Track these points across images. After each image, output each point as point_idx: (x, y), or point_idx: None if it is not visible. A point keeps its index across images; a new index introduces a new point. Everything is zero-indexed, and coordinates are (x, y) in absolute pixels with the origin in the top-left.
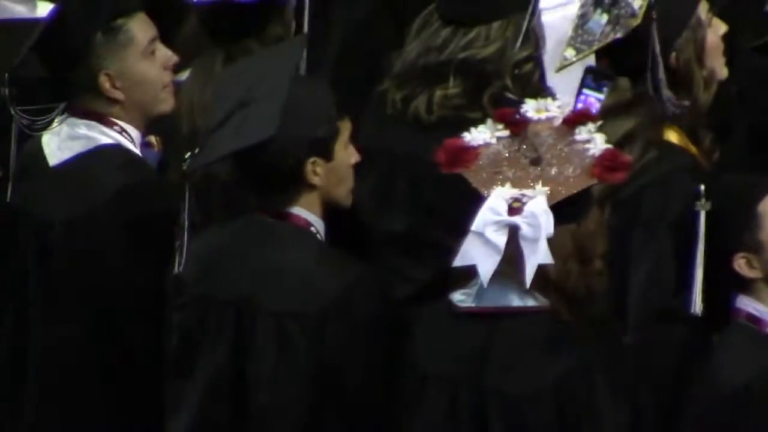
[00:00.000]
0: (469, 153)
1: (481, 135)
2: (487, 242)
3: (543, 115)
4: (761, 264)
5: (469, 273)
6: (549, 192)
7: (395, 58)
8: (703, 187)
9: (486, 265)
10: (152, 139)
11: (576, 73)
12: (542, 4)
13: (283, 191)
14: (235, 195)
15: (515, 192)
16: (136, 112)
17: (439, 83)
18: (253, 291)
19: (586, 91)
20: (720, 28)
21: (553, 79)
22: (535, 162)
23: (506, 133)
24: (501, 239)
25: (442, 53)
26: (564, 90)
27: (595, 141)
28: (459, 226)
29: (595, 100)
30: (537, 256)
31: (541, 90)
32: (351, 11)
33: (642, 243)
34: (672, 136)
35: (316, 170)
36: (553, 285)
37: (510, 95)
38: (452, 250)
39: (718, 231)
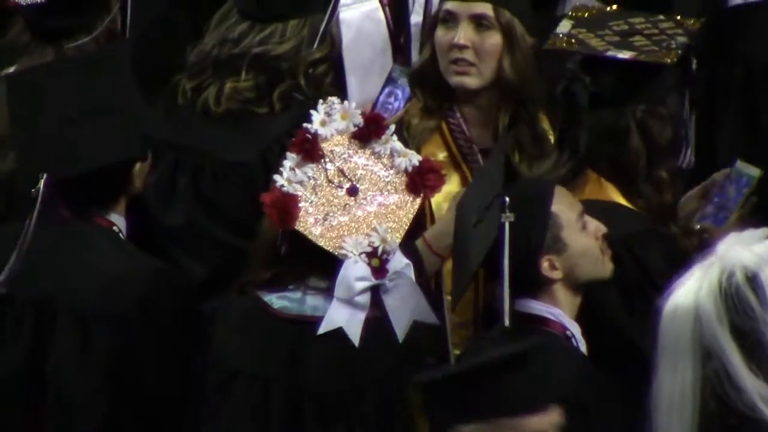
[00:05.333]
0: (292, 204)
1: (287, 176)
2: (354, 305)
3: (330, 130)
4: (563, 263)
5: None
6: (392, 230)
7: (191, 50)
8: (507, 199)
9: (354, 327)
10: None
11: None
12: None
13: (100, 198)
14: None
15: (363, 242)
16: None
17: (231, 75)
18: (55, 290)
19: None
20: None
21: (351, 81)
22: (352, 192)
23: (306, 163)
24: (366, 300)
25: (237, 46)
26: (363, 92)
27: (395, 149)
28: (235, 222)
29: (398, 98)
30: (408, 309)
31: (335, 92)
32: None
33: None
34: None
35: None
36: None
37: (299, 95)
38: (228, 246)
39: (522, 237)
